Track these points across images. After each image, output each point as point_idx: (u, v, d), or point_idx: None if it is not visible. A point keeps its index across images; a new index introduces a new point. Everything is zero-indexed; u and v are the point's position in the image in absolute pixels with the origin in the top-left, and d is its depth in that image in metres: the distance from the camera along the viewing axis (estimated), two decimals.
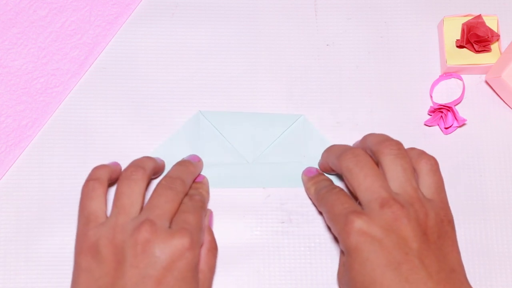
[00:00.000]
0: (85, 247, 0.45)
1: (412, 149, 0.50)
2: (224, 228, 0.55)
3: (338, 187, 0.51)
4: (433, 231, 0.46)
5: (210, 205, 0.55)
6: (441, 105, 0.56)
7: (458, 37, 0.56)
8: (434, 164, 0.49)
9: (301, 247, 0.55)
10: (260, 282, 0.54)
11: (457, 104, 0.57)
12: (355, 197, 0.49)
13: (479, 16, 0.55)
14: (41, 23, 0.58)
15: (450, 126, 0.56)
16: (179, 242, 0.44)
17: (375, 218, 0.45)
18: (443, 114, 0.56)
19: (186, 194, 0.50)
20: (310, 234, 0.55)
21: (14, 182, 0.56)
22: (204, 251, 0.49)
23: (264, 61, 0.58)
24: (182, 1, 0.59)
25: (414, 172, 0.48)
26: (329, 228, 0.55)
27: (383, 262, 0.44)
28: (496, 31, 0.56)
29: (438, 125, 0.57)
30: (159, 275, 0.44)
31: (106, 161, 0.56)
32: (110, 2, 0.58)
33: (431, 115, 0.57)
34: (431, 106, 0.56)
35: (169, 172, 0.51)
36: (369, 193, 0.46)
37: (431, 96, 0.58)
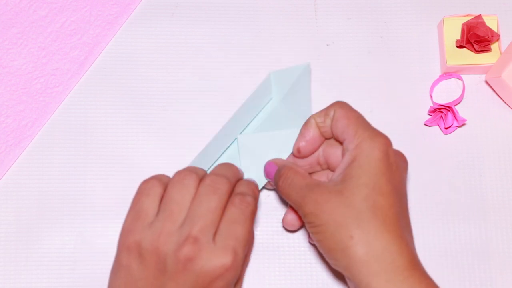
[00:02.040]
0: (128, 244, 0.45)
1: None
2: None
3: None
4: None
5: None
6: (441, 105, 0.56)
7: (458, 37, 0.56)
8: None
9: (301, 247, 0.55)
10: (260, 282, 0.54)
11: (457, 104, 0.57)
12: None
13: (479, 16, 0.55)
14: (41, 23, 0.58)
15: (450, 126, 0.56)
16: (221, 263, 0.43)
17: (394, 150, 0.48)
18: (443, 114, 0.56)
19: (233, 194, 0.48)
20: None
21: (14, 182, 0.56)
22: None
23: (264, 61, 0.58)
24: (182, 1, 0.59)
25: None
26: None
27: (395, 181, 0.47)
28: (496, 31, 0.56)
29: (438, 125, 0.57)
30: None
31: (106, 161, 0.56)
32: (110, 2, 0.58)
33: (431, 115, 0.57)
34: (431, 106, 0.56)
35: (213, 170, 0.48)
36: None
37: (431, 96, 0.58)
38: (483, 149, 0.57)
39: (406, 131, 0.57)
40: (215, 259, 0.43)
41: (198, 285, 0.44)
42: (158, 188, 0.46)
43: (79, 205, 0.55)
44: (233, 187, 0.47)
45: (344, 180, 0.46)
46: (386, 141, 0.47)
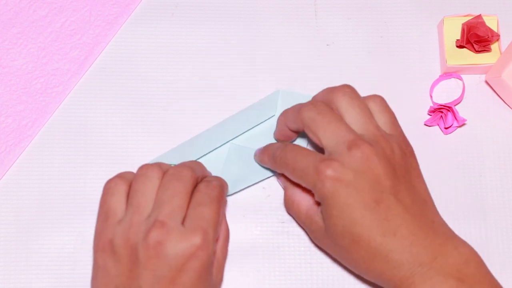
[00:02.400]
0: (101, 245, 0.46)
1: None
2: None
3: (290, 143, 0.50)
4: (400, 166, 0.47)
5: None
6: (441, 105, 0.56)
7: (458, 37, 0.56)
8: (382, 101, 0.50)
9: (301, 247, 0.55)
10: (260, 282, 0.54)
11: (457, 104, 0.57)
12: (318, 149, 0.49)
13: (479, 16, 0.55)
14: (41, 23, 0.58)
15: (450, 126, 0.56)
16: (190, 243, 0.44)
17: (346, 162, 0.45)
18: (443, 114, 0.56)
19: (198, 182, 0.49)
20: None
21: (14, 182, 0.56)
22: (221, 240, 0.49)
23: (264, 61, 0.58)
24: (182, 1, 0.59)
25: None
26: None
27: (361, 204, 0.45)
28: (496, 31, 0.56)
29: (438, 125, 0.57)
30: (174, 276, 0.44)
31: (106, 161, 0.56)
32: (110, 2, 0.58)
33: (431, 115, 0.57)
34: (431, 106, 0.56)
35: (177, 164, 0.50)
36: (335, 137, 0.46)
37: (431, 96, 0.58)
38: (483, 149, 0.57)
39: (406, 131, 0.57)
40: (185, 240, 0.44)
41: (172, 269, 0.44)
42: (122, 186, 0.47)
43: (79, 205, 0.55)
44: (198, 178, 0.48)
45: (323, 219, 0.48)
46: (330, 168, 0.45)
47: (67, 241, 0.55)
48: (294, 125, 0.50)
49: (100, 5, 0.58)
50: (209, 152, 0.55)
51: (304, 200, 0.51)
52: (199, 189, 0.47)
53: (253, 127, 0.55)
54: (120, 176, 0.48)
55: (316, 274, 0.54)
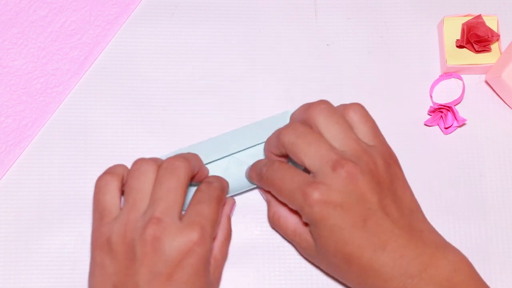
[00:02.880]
0: (99, 243, 0.46)
1: (338, 106, 0.50)
2: None
3: (276, 161, 0.50)
4: (384, 178, 0.47)
5: None
6: (441, 105, 0.56)
7: (458, 37, 0.56)
8: (362, 110, 0.49)
9: None
10: (260, 282, 0.54)
11: (457, 104, 0.57)
12: (302, 168, 0.49)
13: (479, 16, 0.55)
14: (41, 23, 0.58)
15: (450, 126, 0.56)
16: (188, 238, 0.44)
17: (331, 184, 0.45)
18: (443, 114, 0.56)
19: (194, 174, 0.48)
20: None
21: (14, 182, 0.56)
22: (220, 240, 0.49)
23: (264, 61, 0.58)
24: (182, 1, 0.59)
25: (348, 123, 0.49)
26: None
27: (350, 224, 0.45)
28: (496, 31, 0.56)
29: (438, 125, 0.57)
30: (171, 272, 0.44)
31: (106, 161, 0.56)
32: (110, 2, 0.58)
33: (431, 115, 0.57)
34: (431, 106, 0.56)
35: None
36: (317, 159, 0.46)
37: (431, 96, 0.58)
38: (483, 149, 0.57)
39: (406, 131, 0.57)
40: (182, 235, 0.44)
41: (168, 265, 0.44)
42: (113, 182, 0.47)
43: (79, 205, 0.55)
44: (194, 170, 0.48)
45: (313, 238, 0.48)
46: (316, 192, 0.45)
47: (67, 241, 0.55)
48: (277, 151, 0.50)
49: (100, 5, 0.58)
50: (209, 162, 0.54)
51: (291, 218, 0.51)
52: (200, 189, 0.48)
53: (256, 145, 0.55)
54: (110, 172, 0.47)
55: (316, 274, 0.54)
